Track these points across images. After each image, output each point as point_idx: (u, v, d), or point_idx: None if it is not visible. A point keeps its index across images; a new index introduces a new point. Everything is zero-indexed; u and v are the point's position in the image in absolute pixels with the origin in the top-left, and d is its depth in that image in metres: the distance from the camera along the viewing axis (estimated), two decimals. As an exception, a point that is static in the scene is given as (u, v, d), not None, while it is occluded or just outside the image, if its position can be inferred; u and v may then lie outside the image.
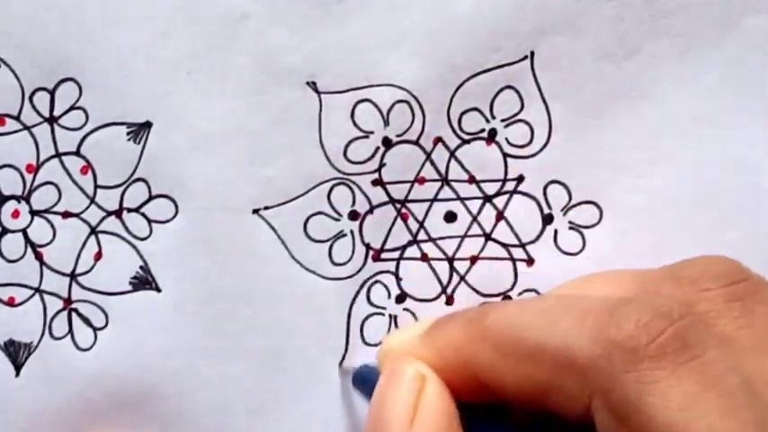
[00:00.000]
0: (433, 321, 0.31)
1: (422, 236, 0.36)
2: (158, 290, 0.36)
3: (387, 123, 0.36)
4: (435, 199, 0.36)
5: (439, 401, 0.27)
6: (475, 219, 0.36)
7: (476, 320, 0.28)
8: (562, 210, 0.36)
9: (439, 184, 0.36)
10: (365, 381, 0.34)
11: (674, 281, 0.26)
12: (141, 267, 0.36)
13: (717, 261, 0.27)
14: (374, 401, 0.29)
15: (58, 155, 0.36)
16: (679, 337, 0.23)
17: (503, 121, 0.36)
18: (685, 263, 0.27)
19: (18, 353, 0.36)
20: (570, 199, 0.36)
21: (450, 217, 0.36)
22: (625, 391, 0.23)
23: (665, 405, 0.22)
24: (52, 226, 0.36)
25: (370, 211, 0.36)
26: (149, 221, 0.36)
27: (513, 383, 0.26)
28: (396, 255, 0.36)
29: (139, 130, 0.35)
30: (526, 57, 0.35)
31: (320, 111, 0.35)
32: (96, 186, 0.36)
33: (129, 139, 0.35)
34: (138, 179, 0.36)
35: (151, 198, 0.36)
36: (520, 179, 0.36)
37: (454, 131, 0.36)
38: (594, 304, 0.25)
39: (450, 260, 0.36)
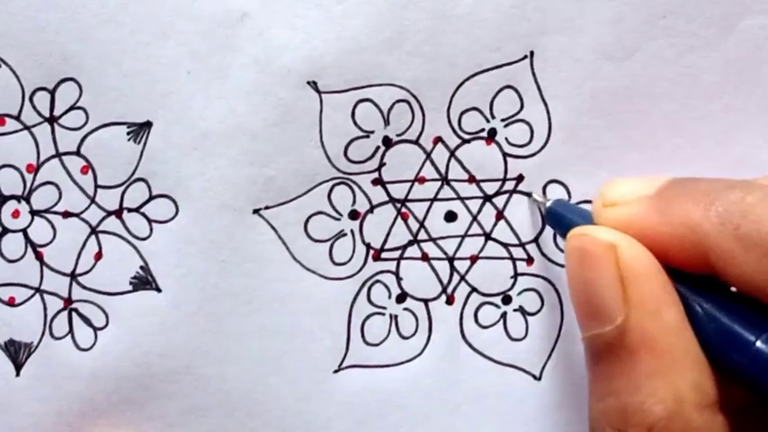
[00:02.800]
0: (661, 185, 0.28)
1: (422, 235, 0.36)
2: (158, 290, 0.36)
3: (387, 123, 0.36)
4: (435, 198, 0.36)
5: (641, 264, 0.26)
6: (475, 218, 0.36)
7: (713, 198, 0.26)
8: (562, 209, 0.36)
9: (439, 183, 0.36)
10: (561, 217, 0.33)
11: None
12: (141, 267, 0.36)
13: None
14: (574, 287, 0.28)
15: (58, 155, 0.36)
16: None
17: (502, 120, 0.36)
18: None
19: (18, 353, 0.36)
20: (570, 198, 0.36)
21: (451, 216, 0.36)
22: None
23: None
24: (52, 226, 0.36)
25: (371, 210, 0.36)
26: (149, 221, 0.36)
27: (749, 275, 0.25)
28: (396, 254, 0.36)
29: (139, 130, 0.35)
30: (526, 57, 0.35)
31: (320, 111, 0.35)
32: (96, 186, 0.36)
33: (129, 139, 0.35)
34: (139, 179, 0.36)
35: (151, 198, 0.36)
36: (520, 179, 0.36)
37: (454, 131, 0.36)
38: None
39: (451, 259, 0.36)
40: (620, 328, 0.25)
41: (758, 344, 0.24)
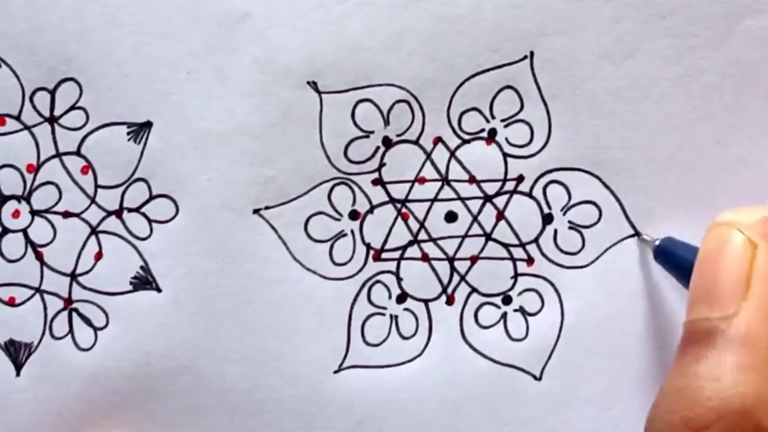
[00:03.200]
0: None
1: (422, 236, 0.36)
2: (158, 290, 0.36)
3: (387, 123, 0.36)
4: (436, 199, 0.36)
5: None
6: (475, 218, 0.36)
7: None
8: (562, 209, 0.36)
9: (439, 183, 0.36)
10: (671, 255, 0.33)
11: None
12: (141, 267, 0.36)
13: None
14: (701, 268, 0.28)
15: (58, 155, 0.36)
16: None
17: (502, 120, 0.36)
18: None
19: (18, 353, 0.36)
20: (570, 199, 0.36)
21: (451, 217, 0.36)
22: None
23: None
24: (53, 226, 0.36)
25: (371, 210, 0.36)
26: (149, 221, 0.36)
27: None
28: (396, 254, 0.36)
29: (139, 130, 0.35)
30: (526, 57, 0.35)
31: (320, 111, 0.35)
32: (96, 186, 0.36)
33: (129, 139, 0.35)
34: (139, 179, 0.36)
35: (151, 198, 0.36)
36: (520, 179, 0.36)
37: (454, 131, 0.36)
38: None
39: (451, 260, 0.36)
40: (728, 319, 0.26)
41: None
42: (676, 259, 0.33)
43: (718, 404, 0.24)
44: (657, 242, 0.35)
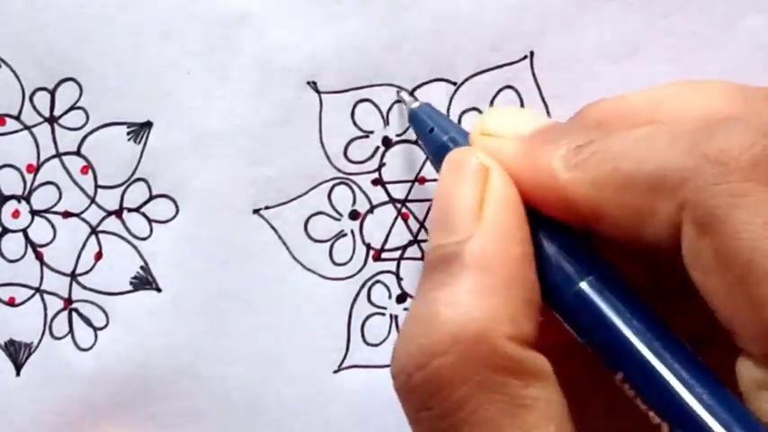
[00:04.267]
0: (537, 128, 0.28)
1: (422, 236, 0.36)
2: (158, 290, 0.36)
3: (387, 123, 0.36)
4: (435, 199, 0.36)
5: (505, 193, 0.26)
6: (475, 219, 0.36)
7: (576, 151, 0.26)
8: (562, 210, 0.36)
9: (439, 183, 0.36)
10: (425, 124, 0.32)
11: None
12: (141, 267, 0.36)
13: None
14: (439, 192, 0.28)
15: (58, 155, 0.36)
16: None
17: (503, 120, 0.36)
18: None
19: (18, 353, 0.36)
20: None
21: (451, 217, 0.36)
22: (713, 202, 0.22)
23: (752, 219, 0.22)
24: (52, 226, 0.36)
25: (371, 210, 0.36)
26: (149, 221, 0.36)
27: (608, 215, 0.25)
28: (396, 254, 0.36)
29: (139, 130, 0.35)
30: (526, 57, 0.35)
31: (320, 111, 0.35)
32: (96, 186, 0.36)
33: (129, 139, 0.36)
34: (139, 179, 0.36)
35: (151, 198, 0.36)
36: (520, 179, 0.36)
37: (454, 131, 0.36)
38: (693, 126, 0.24)
39: (451, 260, 0.36)
40: (462, 244, 0.25)
41: (581, 284, 0.25)
42: (427, 129, 0.32)
43: (454, 329, 0.24)
44: (416, 105, 0.34)
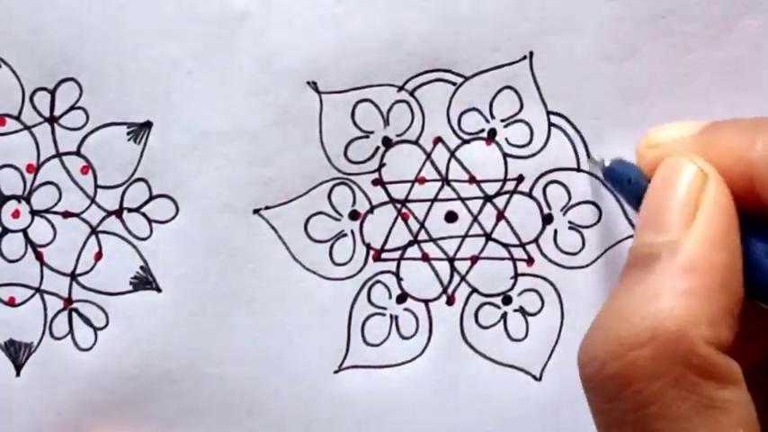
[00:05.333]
0: (705, 124, 0.29)
1: (422, 236, 0.36)
2: (158, 290, 0.36)
3: (387, 123, 0.36)
4: (436, 199, 0.36)
5: (722, 201, 0.26)
6: (475, 219, 0.36)
7: (758, 131, 0.27)
8: (562, 210, 0.36)
9: (439, 183, 0.36)
10: (620, 176, 0.33)
11: None
12: (141, 267, 0.36)
13: None
14: (652, 191, 0.28)
15: (58, 155, 0.36)
16: None
17: (502, 121, 0.36)
18: None
19: (18, 353, 0.36)
20: (570, 199, 0.36)
21: (451, 217, 0.36)
22: None
23: None
24: (52, 226, 0.36)
25: (371, 210, 0.36)
26: (149, 221, 0.36)
27: None
28: (396, 255, 0.36)
29: (139, 130, 0.35)
30: (526, 57, 0.35)
31: (320, 111, 0.35)
32: (96, 186, 0.36)
33: (129, 139, 0.35)
34: (139, 179, 0.36)
35: (151, 198, 0.36)
36: (520, 179, 0.36)
37: (454, 131, 0.36)
38: None
39: (451, 260, 0.36)
40: (672, 244, 0.26)
41: None
42: (625, 180, 0.32)
43: (653, 324, 0.24)
44: (608, 163, 0.34)
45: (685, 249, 0.25)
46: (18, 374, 0.36)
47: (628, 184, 0.32)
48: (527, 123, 0.36)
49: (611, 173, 0.34)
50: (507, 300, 0.36)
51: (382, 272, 0.36)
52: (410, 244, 0.36)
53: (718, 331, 0.24)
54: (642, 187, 0.30)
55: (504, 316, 0.37)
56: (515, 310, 0.37)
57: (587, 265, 0.36)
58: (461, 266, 0.36)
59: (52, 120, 0.36)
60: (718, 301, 0.25)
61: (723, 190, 0.27)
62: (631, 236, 0.36)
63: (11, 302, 0.36)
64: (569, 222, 0.36)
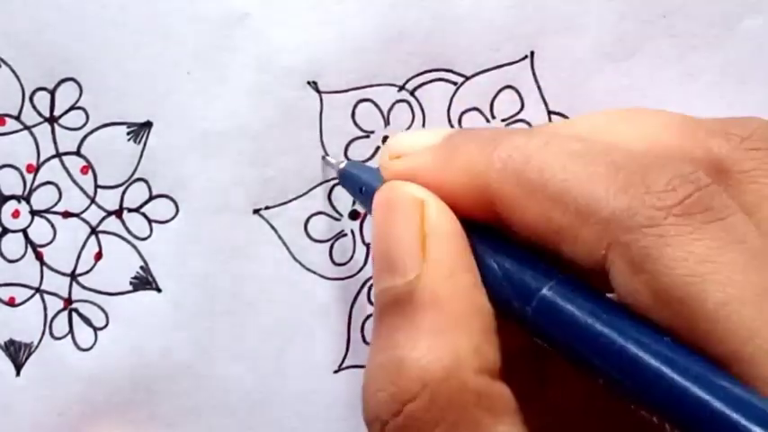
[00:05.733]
0: (446, 134, 0.28)
1: (422, 236, 0.36)
2: (158, 290, 0.36)
3: (387, 123, 0.36)
4: (435, 199, 0.36)
5: (445, 224, 0.26)
6: (475, 219, 0.36)
7: (496, 144, 0.26)
8: (562, 210, 0.36)
9: (439, 183, 0.36)
10: (356, 178, 0.32)
11: (724, 135, 0.26)
12: (141, 267, 0.36)
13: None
14: (376, 236, 0.27)
15: (58, 155, 0.36)
16: (705, 201, 0.23)
17: (503, 120, 0.36)
18: (738, 120, 0.27)
19: (18, 353, 0.36)
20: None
21: (451, 217, 0.36)
22: (646, 243, 0.23)
23: (685, 257, 0.22)
24: (52, 226, 0.36)
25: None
26: (149, 221, 0.36)
27: (530, 221, 0.25)
28: (396, 255, 0.36)
29: (139, 130, 0.35)
30: (526, 57, 0.35)
31: (321, 111, 0.35)
32: (96, 186, 0.36)
33: (129, 139, 0.36)
34: (139, 179, 0.36)
35: (151, 198, 0.36)
36: (520, 179, 0.36)
37: (454, 131, 0.36)
38: (626, 158, 0.24)
39: (451, 260, 0.36)
40: (412, 284, 0.25)
41: (543, 291, 0.24)
42: (357, 188, 0.31)
43: (420, 372, 0.24)
44: (343, 165, 0.33)
45: (426, 285, 0.25)
46: (18, 374, 0.36)
47: (360, 192, 0.31)
48: (528, 123, 0.36)
49: (346, 178, 0.33)
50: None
51: (382, 272, 0.36)
52: (410, 244, 0.36)
53: (484, 357, 0.24)
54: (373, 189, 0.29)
55: (505, 316, 0.36)
56: (515, 310, 0.36)
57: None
58: (461, 266, 0.36)
59: (52, 120, 0.36)
60: (475, 326, 0.25)
61: (445, 214, 0.26)
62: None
63: (11, 302, 0.36)
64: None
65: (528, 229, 0.25)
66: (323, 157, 0.35)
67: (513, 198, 0.25)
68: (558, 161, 0.25)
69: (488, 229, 0.26)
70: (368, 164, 0.35)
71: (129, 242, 0.36)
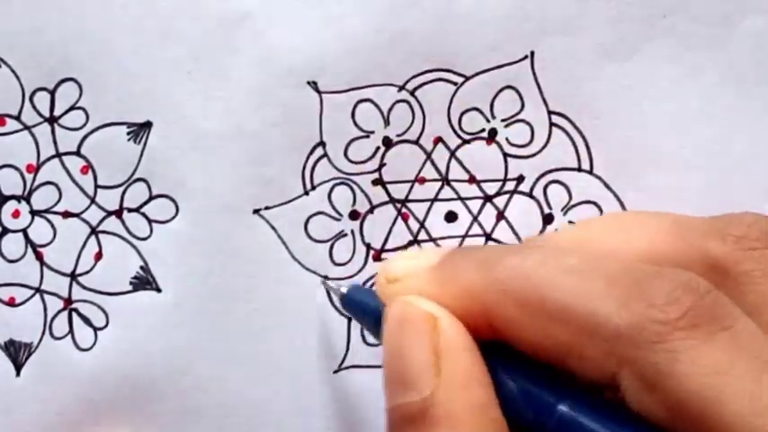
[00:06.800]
0: (443, 255, 0.28)
1: (422, 236, 0.36)
2: (158, 290, 0.36)
3: (387, 123, 0.36)
4: (436, 199, 0.36)
5: (458, 340, 0.26)
6: (475, 219, 0.36)
7: (493, 265, 0.26)
8: (562, 210, 0.36)
9: (439, 183, 0.36)
10: (359, 304, 0.32)
11: (719, 236, 0.26)
12: (141, 267, 0.36)
13: (764, 220, 0.26)
14: (388, 352, 0.27)
15: (58, 155, 0.36)
16: (709, 311, 0.23)
17: (503, 120, 0.36)
18: (731, 218, 0.27)
19: (18, 353, 0.36)
20: (570, 199, 0.36)
21: (451, 217, 0.36)
22: (655, 359, 0.23)
23: (697, 371, 0.22)
24: (52, 226, 0.36)
25: (371, 210, 0.36)
26: (149, 221, 0.36)
27: (533, 339, 0.25)
28: (396, 255, 0.36)
29: (139, 130, 0.35)
30: (526, 57, 0.35)
31: (320, 111, 0.35)
32: (96, 186, 0.36)
33: (129, 139, 0.36)
34: (139, 179, 0.36)
35: (151, 198, 0.36)
36: (520, 179, 0.36)
37: (454, 131, 0.36)
38: (623, 270, 0.24)
39: (451, 260, 0.36)
40: (426, 401, 0.25)
41: (561, 407, 0.24)
42: (366, 310, 0.31)
43: None
44: (344, 289, 0.33)
45: (441, 402, 0.25)
46: (18, 374, 0.36)
47: (363, 314, 0.31)
48: (528, 123, 0.36)
49: (348, 302, 0.33)
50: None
51: (382, 272, 0.36)
52: (410, 244, 0.36)
53: None
54: (380, 319, 0.29)
55: (505, 316, 0.36)
56: (515, 311, 0.36)
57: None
58: (461, 266, 0.36)
59: (52, 120, 0.36)
60: None
61: (458, 329, 0.26)
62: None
63: (11, 302, 0.36)
64: (570, 222, 0.36)
65: (531, 348, 0.25)
66: (322, 282, 0.35)
67: (514, 318, 0.25)
68: (555, 279, 0.25)
69: (499, 344, 0.26)
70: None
71: (129, 242, 0.36)
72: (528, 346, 0.25)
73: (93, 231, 0.36)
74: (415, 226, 0.36)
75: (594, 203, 0.36)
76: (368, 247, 0.36)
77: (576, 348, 0.24)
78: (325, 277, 0.36)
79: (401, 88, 0.35)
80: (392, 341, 0.27)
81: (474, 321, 0.26)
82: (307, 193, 0.36)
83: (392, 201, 0.36)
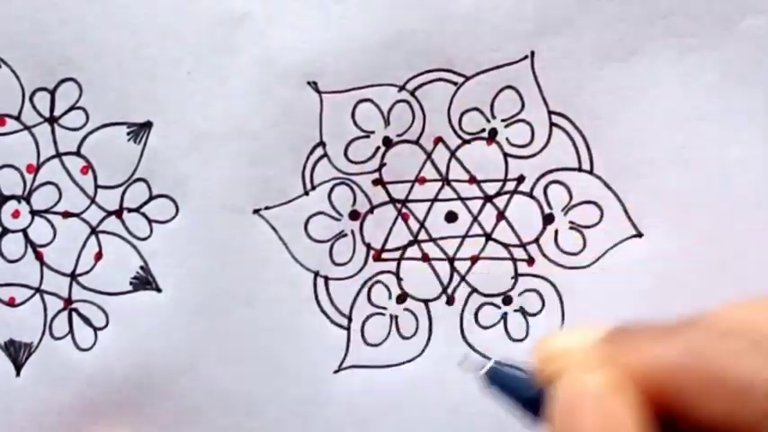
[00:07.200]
0: (611, 328, 0.27)
1: (422, 236, 0.36)
2: (158, 290, 0.36)
3: (387, 123, 0.36)
4: (436, 199, 0.36)
5: (638, 417, 0.25)
6: (475, 219, 0.36)
7: (670, 337, 0.25)
8: (563, 209, 0.36)
9: (439, 183, 0.36)
10: (509, 382, 0.29)
11: None
12: (141, 267, 0.36)
13: None
14: (561, 416, 0.26)
15: (58, 155, 0.36)
16: None
17: (503, 120, 0.36)
18: None
19: (18, 353, 0.36)
20: (571, 199, 0.36)
21: (451, 217, 0.36)
22: None
23: None
24: (52, 226, 0.36)
25: (371, 210, 0.36)
26: (149, 221, 0.36)
27: (712, 416, 0.24)
28: (396, 255, 0.36)
29: (139, 130, 0.35)
30: (526, 57, 0.35)
31: (321, 111, 0.35)
32: (96, 186, 0.36)
33: (129, 139, 0.36)
34: (139, 179, 0.36)
35: (151, 198, 0.36)
36: (520, 179, 0.36)
37: (454, 131, 0.36)
38: None
39: (451, 260, 0.36)
40: None
41: None
42: (515, 388, 0.29)
43: None
44: (488, 366, 0.32)
45: None
46: (18, 374, 0.36)
47: (513, 392, 0.29)
48: (528, 123, 0.36)
49: (496, 378, 0.31)
50: (507, 300, 0.36)
51: (382, 272, 0.36)
52: (410, 244, 0.36)
53: None
54: (533, 398, 0.27)
55: (505, 316, 0.36)
56: (515, 311, 0.36)
57: (588, 266, 0.36)
58: (461, 266, 0.36)
59: (52, 120, 0.36)
60: None
61: (639, 406, 0.25)
62: (634, 235, 0.36)
63: (11, 302, 0.36)
64: (570, 222, 0.36)
65: (707, 425, 0.24)
66: (461, 362, 0.34)
67: (694, 393, 0.24)
68: (740, 355, 0.24)
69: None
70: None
71: (128, 242, 0.36)
72: (703, 423, 0.24)
73: (93, 231, 0.36)
74: (415, 226, 0.36)
75: (595, 203, 0.36)
76: (368, 247, 0.36)
77: (758, 427, 0.24)
78: (464, 359, 0.35)
79: (401, 88, 0.35)
80: (565, 416, 0.26)
81: (651, 397, 0.25)
82: (307, 193, 0.36)
83: (392, 201, 0.36)
